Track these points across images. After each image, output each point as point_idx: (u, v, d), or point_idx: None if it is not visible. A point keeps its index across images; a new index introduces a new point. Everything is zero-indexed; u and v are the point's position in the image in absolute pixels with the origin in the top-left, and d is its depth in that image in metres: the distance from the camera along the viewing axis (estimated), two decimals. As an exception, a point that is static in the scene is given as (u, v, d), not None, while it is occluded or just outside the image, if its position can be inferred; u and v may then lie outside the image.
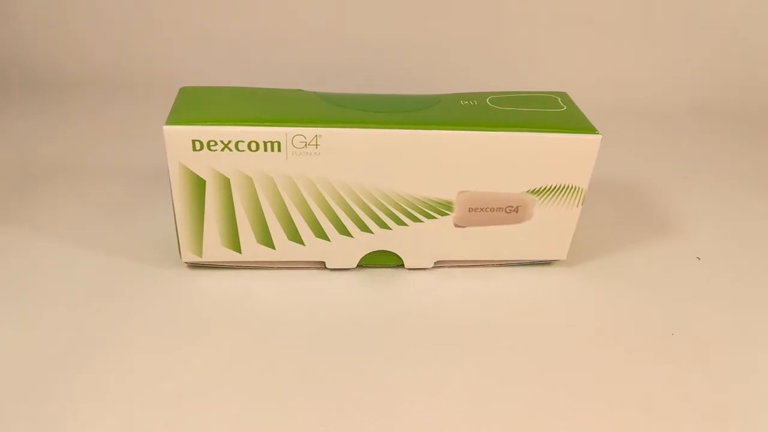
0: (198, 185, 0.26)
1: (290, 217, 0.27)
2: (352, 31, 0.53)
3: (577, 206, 0.28)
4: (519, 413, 0.23)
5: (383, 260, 0.29)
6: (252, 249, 0.28)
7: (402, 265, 0.30)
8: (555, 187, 0.27)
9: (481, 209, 0.28)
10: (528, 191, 0.27)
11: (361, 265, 0.30)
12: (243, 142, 0.25)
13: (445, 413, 0.22)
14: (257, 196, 0.26)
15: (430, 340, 0.26)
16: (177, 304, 0.27)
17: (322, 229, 0.28)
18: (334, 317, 0.27)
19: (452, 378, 0.24)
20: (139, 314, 0.27)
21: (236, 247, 0.28)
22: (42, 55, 0.50)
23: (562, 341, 0.26)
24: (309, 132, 0.25)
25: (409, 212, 0.27)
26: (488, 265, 0.31)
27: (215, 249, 0.28)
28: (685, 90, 0.46)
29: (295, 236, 0.28)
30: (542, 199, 0.28)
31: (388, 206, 0.27)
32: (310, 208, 0.27)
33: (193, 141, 0.24)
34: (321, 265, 0.30)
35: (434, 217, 0.28)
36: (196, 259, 0.28)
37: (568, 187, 0.28)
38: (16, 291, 0.27)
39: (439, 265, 0.30)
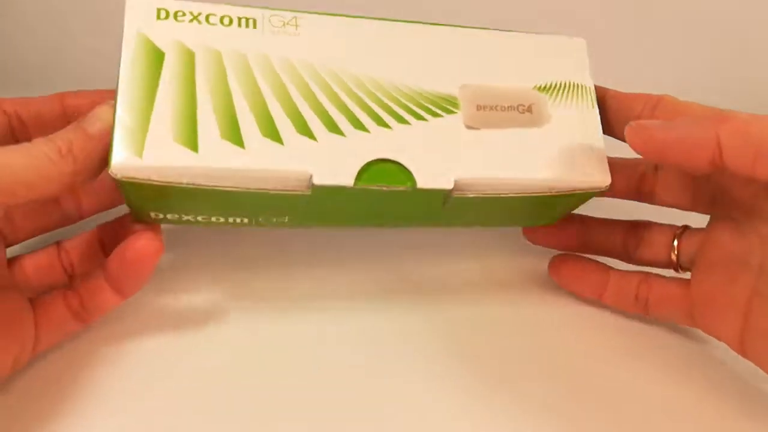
0: (155, 59, 0.22)
1: (265, 104, 0.22)
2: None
3: (593, 107, 0.25)
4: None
5: (389, 178, 0.22)
6: (213, 147, 0.21)
7: (413, 186, 0.23)
8: (561, 84, 0.25)
9: (491, 107, 0.24)
10: (534, 87, 0.25)
11: (359, 187, 0.22)
12: (215, 15, 0.23)
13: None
14: (226, 75, 0.22)
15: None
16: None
17: (305, 122, 0.22)
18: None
19: None
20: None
21: (192, 142, 0.21)
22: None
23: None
24: (287, 14, 0.24)
25: (409, 107, 0.23)
26: (525, 193, 0.24)
27: (163, 146, 0.21)
28: (685, 90, 0.45)
29: (271, 130, 0.22)
30: (552, 98, 0.25)
31: (383, 98, 0.23)
32: (290, 94, 0.22)
33: (159, 9, 0.22)
34: (304, 185, 0.22)
35: (440, 116, 0.23)
36: (133, 162, 0.20)
37: (574, 85, 0.25)
38: None
39: (461, 190, 0.23)
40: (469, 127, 0.23)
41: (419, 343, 0.27)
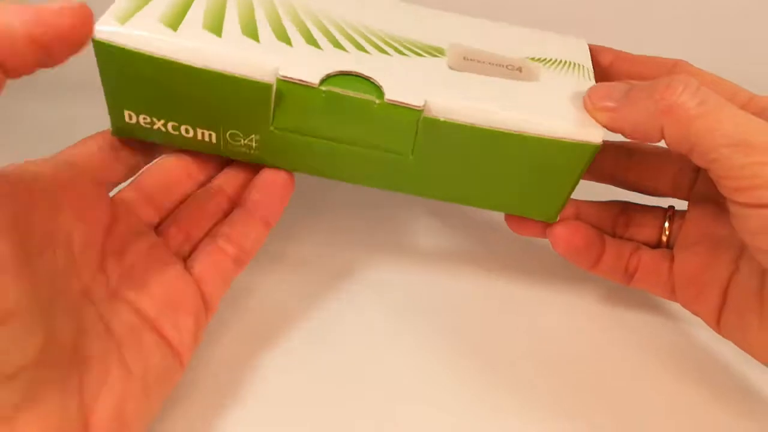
0: None
1: (253, 12, 0.23)
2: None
3: (590, 79, 0.24)
4: None
5: (357, 87, 0.22)
6: (192, 32, 0.22)
7: (380, 98, 0.22)
8: (558, 60, 0.25)
9: (479, 61, 0.24)
10: (529, 58, 0.25)
11: (325, 89, 0.22)
12: None
13: None
14: None
15: None
16: None
17: (285, 30, 0.23)
18: None
19: None
20: None
21: (174, 24, 0.22)
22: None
23: None
24: None
25: (392, 44, 0.24)
26: (505, 129, 0.22)
27: (146, 21, 0.22)
28: None
29: (251, 30, 0.23)
30: (547, 67, 0.25)
31: (368, 35, 0.24)
32: (278, 12, 0.24)
33: None
34: (270, 75, 0.22)
35: (422, 56, 0.24)
36: (114, 27, 0.22)
37: (572, 63, 0.25)
38: None
39: (433, 113, 0.22)
40: (451, 68, 0.23)
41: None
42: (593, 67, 0.25)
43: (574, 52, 0.25)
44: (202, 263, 0.23)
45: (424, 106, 0.21)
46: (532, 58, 0.24)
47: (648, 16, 0.52)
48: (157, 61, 0.21)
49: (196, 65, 0.21)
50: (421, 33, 0.24)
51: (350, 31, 0.23)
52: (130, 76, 0.21)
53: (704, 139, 0.19)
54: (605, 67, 0.25)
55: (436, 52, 0.23)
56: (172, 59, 0.21)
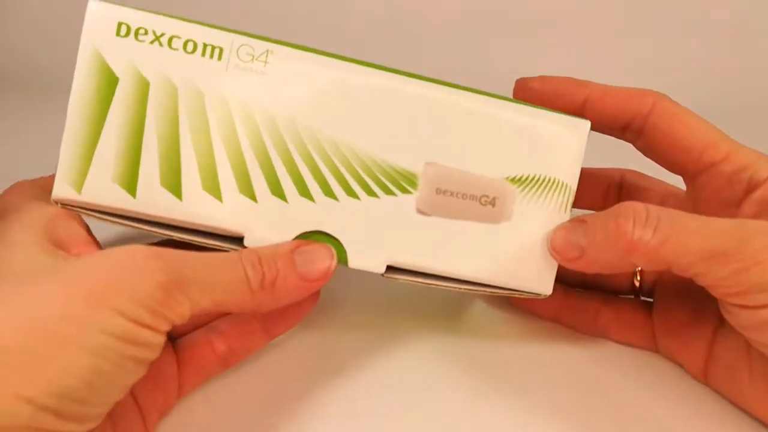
0: (107, 84, 0.21)
1: (212, 154, 0.21)
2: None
3: (565, 211, 0.23)
4: None
5: (322, 240, 0.22)
6: (150, 193, 0.21)
7: (344, 262, 0.22)
8: (538, 178, 0.23)
9: (452, 193, 0.23)
10: (507, 178, 0.23)
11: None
12: (179, 38, 0.21)
13: None
14: (177, 114, 0.21)
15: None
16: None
17: (249, 180, 0.21)
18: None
19: None
20: None
21: (131, 185, 0.21)
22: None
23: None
24: (259, 45, 0.21)
25: (364, 180, 0.22)
26: (452, 288, 0.23)
27: (102, 184, 0.21)
28: (684, 91, 0.44)
29: (212, 185, 0.21)
30: (524, 191, 0.23)
31: (338, 165, 0.22)
32: (240, 145, 0.21)
33: (119, 24, 0.21)
34: (235, 246, 0.22)
35: (394, 194, 0.22)
36: (71, 195, 0.21)
37: (553, 181, 0.23)
38: None
39: (392, 276, 0.23)
40: (420, 212, 0.22)
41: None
42: (569, 103, 0.24)
43: (563, 156, 0.23)
44: (189, 350, 0.23)
45: (384, 272, 0.22)
46: (512, 179, 0.23)
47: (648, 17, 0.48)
48: (121, 222, 0.21)
49: (159, 233, 0.22)
50: (399, 147, 0.22)
51: (318, 160, 0.22)
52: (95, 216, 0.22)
53: (677, 262, 0.20)
54: (579, 107, 0.24)
55: (407, 183, 0.22)
56: (135, 228, 0.22)
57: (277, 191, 0.21)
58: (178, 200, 0.21)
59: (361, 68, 0.22)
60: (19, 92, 0.50)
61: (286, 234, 0.22)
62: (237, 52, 0.21)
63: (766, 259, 0.19)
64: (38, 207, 0.21)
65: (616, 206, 0.21)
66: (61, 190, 0.20)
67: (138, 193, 0.21)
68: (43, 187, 0.22)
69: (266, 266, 0.20)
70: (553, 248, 0.22)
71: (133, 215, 0.21)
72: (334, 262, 0.21)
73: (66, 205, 0.21)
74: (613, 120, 0.24)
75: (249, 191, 0.21)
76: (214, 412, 0.23)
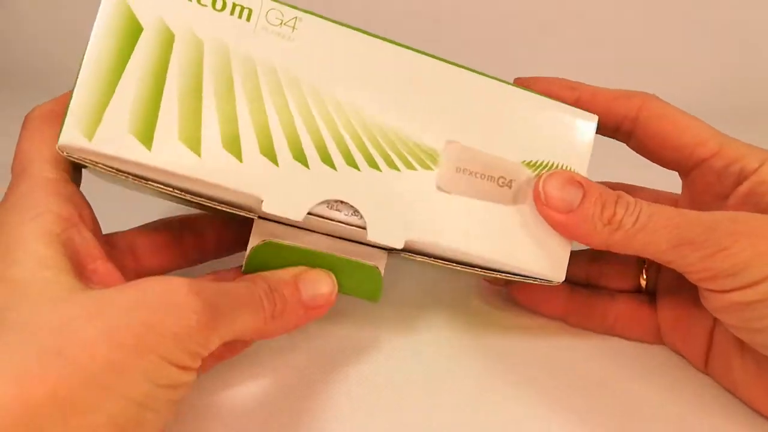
0: (131, 33, 0.20)
1: (235, 112, 0.21)
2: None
3: None
4: None
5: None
6: (167, 147, 0.20)
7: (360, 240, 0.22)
8: (551, 165, 0.24)
9: (471, 173, 0.23)
10: (524, 162, 0.23)
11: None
12: None
13: None
14: (201, 70, 0.20)
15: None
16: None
17: (272, 142, 0.21)
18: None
19: None
20: None
21: (147, 137, 0.20)
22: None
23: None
24: (288, 11, 0.21)
25: (386, 153, 0.22)
26: (465, 270, 0.23)
27: (115, 135, 0.20)
28: (684, 90, 0.44)
29: (233, 143, 0.20)
30: (538, 176, 0.23)
31: (361, 135, 0.22)
32: (264, 106, 0.21)
33: None
34: (253, 210, 0.21)
35: (414, 169, 0.22)
36: (81, 143, 0.19)
37: (565, 168, 0.24)
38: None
39: (410, 252, 0.22)
40: (440, 189, 0.22)
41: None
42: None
43: (575, 146, 0.24)
44: None
45: (402, 248, 0.22)
46: (527, 163, 0.23)
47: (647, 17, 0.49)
48: (131, 180, 0.20)
49: (171, 191, 0.20)
50: (422, 124, 0.22)
51: (341, 128, 0.21)
52: (101, 173, 0.21)
53: (649, 249, 0.21)
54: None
55: (429, 160, 0.22)
56: (147, 183, 0.20)
57: (299, 156, 0.21)
58: (196, 156, 0.20)
59: (387, 45, 0.22)
60: (19, 91, 0.49)
61: (306, 201, 0.21)
62: (266, 15, 0.21)
63: (730, 245, 0.20)
64: (52, 195, 0.19)
65: (611, 192, 0.22)
66: (70, 137, 0.19)
67: (154, 146, 0.20)
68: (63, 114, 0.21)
69: (277, 295, 0.20)
70: (545, 195, 0.22)
71: (146, 170, 0.20)
72: (336, 288, 0.22)
73: (72, 155, 0.19)
74: (603, 121, 0.25)
75: (270, 153, 0.21)
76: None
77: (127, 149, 0.19)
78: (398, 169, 0.22)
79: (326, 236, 0.23)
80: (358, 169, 0.21)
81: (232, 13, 0.21)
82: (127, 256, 0.23)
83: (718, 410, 0.24)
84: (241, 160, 0.20)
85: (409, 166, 0.22)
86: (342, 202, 0.21)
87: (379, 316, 0.28)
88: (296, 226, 0.22)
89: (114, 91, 0.19)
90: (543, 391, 0.25)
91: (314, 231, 0.22)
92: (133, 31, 0.20)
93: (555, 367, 0.26)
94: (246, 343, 0.23)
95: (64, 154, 0.19)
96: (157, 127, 0.20)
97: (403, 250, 0.22)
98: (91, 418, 0.15)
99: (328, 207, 0.21)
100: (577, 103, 0.24)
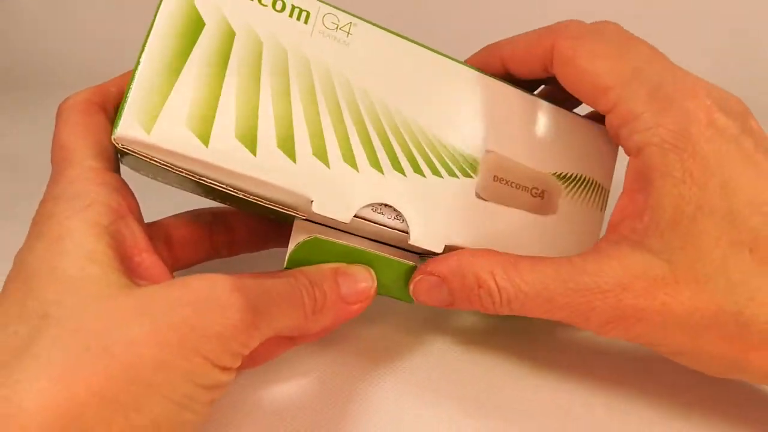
0: (193, 28, 0.20)
1: (290, 113, 0.21)
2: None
3: (601, 210, 0.25)
4: None
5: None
6: (224, 144, 0.20)
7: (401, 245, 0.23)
8: (580, 177, 0.25)
9: (507, 182, 0.24)
10: (554, 174, 0.24)
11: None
12: None
13: None
14: (260, 69, 0.21)
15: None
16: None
17: (324, 143, 0.21)
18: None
19: None
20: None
21: (204, 134, 0.20)
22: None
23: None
24: (343, 17, 0.22)
25: (431, 159, 0.23)
26: None
27: (174, 128, 0.20)
28: None
29: (287, 144, 0.21)
30: (567, 189, 0.25)
31: (408, 141, 0.22)
32: (318, 108, 0.21)
33: None
34: (303, 210, 0.22)
35: (456, 176, 0.23)
36: (140, 135, 0.19)
37: (592, 182, 0.25)
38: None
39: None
40: (478, 197, 0.23)
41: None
42: (494, 72, 0.24)
43: (601, 160, 0.25)
44: None
45: (442, 252, 0.23)
46: (558, 175, 0.24)
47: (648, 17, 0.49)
48: (184, 175, 0.20)
49: (225, 188, 0.21)
50: (465, 133, 0.23)
51: (389, 134, 0.22)
52: (154, 170, 0.21)
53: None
54: (503, 71, 0.24)
55: (469, 168, 0.23)
56: (201, 179, 0.20)
57: (349, 159, 0.21)
58: (251, 155, 0.20)
59: (436, 56, 0.22)
60: (20, 90, 0.49)
61: (354, 203, 0.21)
62: (323, 18, 0.21)
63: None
64: (99, 185, 0.19)
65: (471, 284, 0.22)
66: (129, 128, 0.19)
67: (211, 142, 0.20)
68: (101, 102, 0.21)
69: (317, 290, 0.20)
70: (419, 301, 0.23)
71: (201, 166, 0.20)
72: (375, 284, 0.22)
73: (128, 147, 0.19)
74: (531, 72, 0.23)
75: (323, 155, 0.21)
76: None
77: (185, 144, 0.20)
78: (441, 176, 0.22)
79: (363, 238, 0.23)
80: (404, 174, 0.22)
81: (291, 15, 0.21)
82: (162, 246, 0.23)
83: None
84: (294, 161, 0.21)
85: (451, 174, 0.23)
86: (386, 205, 0.22)
87: (414, 318, 0.28)
88: (337, 228, 0.23)
89: (174, 86, 0.20)
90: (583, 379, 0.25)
91: (353, 233, 0.23)
92: (195, 26, 0.20)
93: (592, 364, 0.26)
94: (293, 341, 0.23)
95: (120, 145, 0.19)
96: (214, 125, 0.20)
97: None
98: (134, 417, 0.15)
99: (372, 210, 0.22)
100: (505, 63, 0.24)
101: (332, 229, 0.23)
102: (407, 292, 0.23)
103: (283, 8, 0.21)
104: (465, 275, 0.21)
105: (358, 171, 0.21)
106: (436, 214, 0.22)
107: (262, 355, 0.22)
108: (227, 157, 0.20)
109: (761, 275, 0.19)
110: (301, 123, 0.21)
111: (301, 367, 0.25)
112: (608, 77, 0.20)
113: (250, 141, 0.20)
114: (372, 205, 0.22)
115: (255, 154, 0.20)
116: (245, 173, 0.20)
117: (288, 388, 0.23)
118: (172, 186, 0.24)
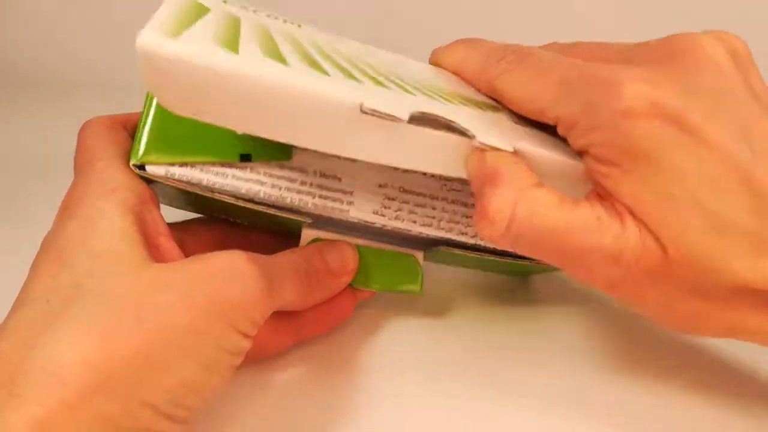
0: (197, 10, 0.22)
1: (307, 50, 0.21)
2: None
3: None
4: None
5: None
6: (255, 57, 0.19)
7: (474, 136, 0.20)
8: None
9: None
10: None
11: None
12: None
13: None
14: (269, 29, 0.22)
15: None
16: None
17: (351, 72, 0.21)
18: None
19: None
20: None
21: (232, 47, 0.19)
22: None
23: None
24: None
25: (455, 97, 0.23)
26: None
27: (202, 42, 0.19)
28: None
29: (315, 63, 0.20)
30: None
31: (426, 90, 0.23)
32: (335, 57, 0.22)
33: None
34: (354, 111, 0.19)
35: (484, 110, 0.23)
36: (166, 42, 0.17)
37: None
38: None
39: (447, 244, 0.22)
40: (516, 122, 0.22)
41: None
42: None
43: None
44: None
45: (514, 152, 0.20)
46: None
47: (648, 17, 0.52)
48: (216, 86, 0.17)
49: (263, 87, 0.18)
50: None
51: (406, 84, 0.21)
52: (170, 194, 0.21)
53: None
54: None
55: (491, 108, 0.22)
56: (234, 87, 0.17)
57: (378, 84, 0.21)
58: (283, 66, 0.19)
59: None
60: (20, 90, 0.49)
61: (405, 106, 0.19)
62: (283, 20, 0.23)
63: None
64: (125, 175, 0.21)
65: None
66: (152, 36, 0.17)
67: (240, 51, 0.19)
68: (122, 124, 0.23)
69: (310, 265, 0.22)
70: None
71: (230, 81, 0.18)
72: (356, 256, 0.23)
73: (152, 62, 0.17)
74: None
75: (353, 78, 0.20)
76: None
77: (215, 52, 0.18)
78: (470, 107, 0.22)
79: (365, 237, 0.24)
80: (439, 101, 0.21)
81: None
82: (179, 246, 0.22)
83: None
84: (327, 74, 0.19)
85: (479, 107, 0.22)
86: (438, 119, 0.20)
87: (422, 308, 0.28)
88: (340, 229, 0.23)
89: (195, 23, 0.19)
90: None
91: (354, 232, 0.23)
92: (198, 10, 0.21)
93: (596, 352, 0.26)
94: (299, 334, 0.24)
95: (142, 57, 0.17)
96: (240, 45, 0.19)
97: (442, 243, 0.23)
98: (165, 377, 0.16)
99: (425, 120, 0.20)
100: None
101: (335, 233, 0.23)
102: (412, 285, 0.24)
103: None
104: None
105: (390, 89, 0.20)
106: (490, 126, 0.21)
107: (272, 345, 0.23)
108: (259, 66, 0.18)
109: None
110: (321, 57, 0.20)
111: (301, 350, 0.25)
112: (545, 90, 0.20)
113: (279, 57, 0.19)
114: (423, 114, 0.20)
115: (287, 64, 0.19)
116: (278, 82, 0.18)
117: (286, 376, 0.24)
118: (186, 209, 0.24)
